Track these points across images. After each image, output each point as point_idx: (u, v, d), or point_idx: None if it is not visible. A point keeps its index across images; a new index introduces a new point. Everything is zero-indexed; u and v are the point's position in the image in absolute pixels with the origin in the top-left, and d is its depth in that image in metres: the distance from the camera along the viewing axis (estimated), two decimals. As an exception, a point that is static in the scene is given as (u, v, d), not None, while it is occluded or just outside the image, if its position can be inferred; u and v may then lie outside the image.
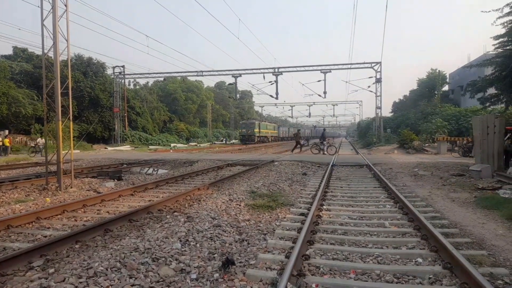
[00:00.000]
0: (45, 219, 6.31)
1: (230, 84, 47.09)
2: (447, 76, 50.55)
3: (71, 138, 10.84)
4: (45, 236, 5.35)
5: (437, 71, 48.16)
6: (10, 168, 15.39)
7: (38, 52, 34.97)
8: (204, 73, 38.76)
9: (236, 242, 4.92)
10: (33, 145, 25.73)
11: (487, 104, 17.11)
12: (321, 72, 34.78)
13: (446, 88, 51.35)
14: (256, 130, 50.43)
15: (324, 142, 23.75)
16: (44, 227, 5.94)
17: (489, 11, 14.90)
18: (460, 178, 10.92)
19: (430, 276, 3.75)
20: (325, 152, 22.77)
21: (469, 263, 3.70)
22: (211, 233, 5.17)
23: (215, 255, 4.33)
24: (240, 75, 36.71)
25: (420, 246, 4.72)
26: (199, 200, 7.83)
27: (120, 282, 3.48)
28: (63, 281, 3.46)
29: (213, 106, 69.43)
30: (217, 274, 3.75)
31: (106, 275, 3.60)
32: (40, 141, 25.50)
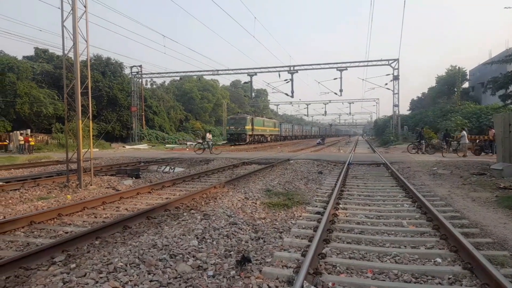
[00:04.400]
0: (66, 215, 6.49)
1: (245, 82, 45.90)
2: (467, 73, 49.34)
3: (91, 137, 11.08)
4: (67, 232, 5.50)
5: (457, 67, 47.08)
6: (33, 166, 15.85)
7: (59, 52, 35.83)
8: (219, 72, 38.91)
9: (252, 240, 4.94)
10: (200, 141, 24.84)
11: (509, 101, 16.61)
12: (337, 70, 34.46)
13: (466, 85, 50.10)
14: (248, 127, 40.44)
15: (422, 141, 21.73)
16: (66, 223, 6.11)
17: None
18: (481, 177, 10.65)
19: (450, 277, 3.69)
20: (424, 152, 21.02)
21: (490, 263, 3.62)
22: (227, 231, 5.21)
23: (232, 252, 4.37)
24: (255, 73, 36.71)
25: (439, 246, 4.64)
26: (215, 198, 7.90)
27: (139, 277, 3.54)
28: (84, 276, 3.55)
29: (229, 105, 69.68)
30: (234, 271, 3.79)
31: (126, 270, 3.68)
32: (208, 136, 24.41)
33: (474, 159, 16.22)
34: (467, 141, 18.71)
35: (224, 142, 44.97)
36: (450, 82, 47.03)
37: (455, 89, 44.68)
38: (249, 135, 40.75)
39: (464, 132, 18.93)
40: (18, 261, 3.95)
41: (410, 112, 57.14)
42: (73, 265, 3.95)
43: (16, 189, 9.30)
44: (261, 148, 31.83)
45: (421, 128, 23.94)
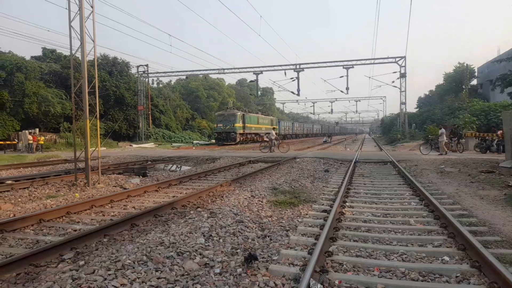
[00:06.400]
0: (74, 213, 6.56)
1: (251, 81, 45.31)
2: (476, 70, 48.77)
3: (98, 136, 11.18)
4: (75, 230, 5.56)
5: (465, 64, 46.54)
6: (41, 165, 16.02)
7: (66, 52, 36.17)
8: (225, 71, 38.97)
9: (259, 238, 4.96)
10: (266, 139, 22.68)
11: (518, 98, 16.38)
12: (343, 68, 34.32)
13: (474, 82, 49.54)
14: (239, 124, 35.26)
15: (455, 139, 19.68)
16: (74, 221, 6.17)
17: None
18: (489, 175, 10.54)
19: (457, 275, 3.67)
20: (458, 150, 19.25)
21: (499, 262, 3.59)
22: (234, 229, 5.23)
23: (238, 250, 4.39)
24: (261, 72, 36.69)
25: (447, 244, 4.61)
26: (222, 196, 7.92)
27: (146, 275, 3.58)
28: (93, 273, 3.59)
29: (235, 104, 69.60)
30: (240, 269, 3.80)
31: (133, 268, 3.72)
32: (273, 133, 22.29)
33: (481, 157, 16.06)
34: (445, 139, 18.69)
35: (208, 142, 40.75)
36: (458, 79, 46.54)
37: (463, 87, 44.24)
38: (240, 133, 35.52)
39: (443, 130, 18.77)
40: (28, 258, 4.00)
41: (417, 110, 56.64)
42: (81, 262, 3.99)
43: (25, 188, 9.42)
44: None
45: (453, 125, 22.36)
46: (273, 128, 26.24)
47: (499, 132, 18.26)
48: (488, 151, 18.61)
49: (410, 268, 3.81)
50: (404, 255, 4.23)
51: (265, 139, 23.45)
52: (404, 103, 37.38)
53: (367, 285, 3.46)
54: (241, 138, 36.25)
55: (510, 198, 7.38)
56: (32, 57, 37.52)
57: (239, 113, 36.08)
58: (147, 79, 42.09)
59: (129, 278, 3.48)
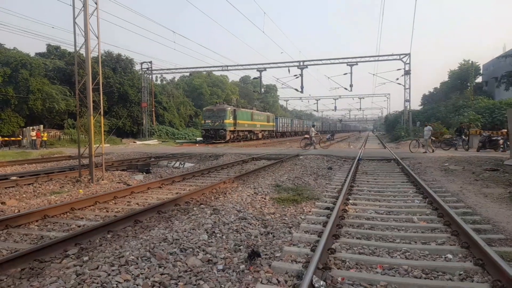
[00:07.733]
0: (78, 209, 6.61)
1: (255, 78, 44.93)
2: (481, 67, 48.40)
3: (102, 133, 11.20)
4: (79, 226, 5.60)
5: (470, 62, 46.20)
6: (46, 161, 16.11)
7: (70, 49, 36.34)
8: (229, 68, 38.91)
9: (262, 234, 4.96)
10: (307, 136, 22.67)
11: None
12: (347, 65, 34.17)
13: (479, 79, 49.19)
14: (229, 121, 32.51)
15: (462, 137, 19.35)
16: (78, 217, 6.21)
17: None
18: (493, 173, 10.48)
19: (461, 273, 3.66)
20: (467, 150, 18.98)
21: (503, 260, 3.57)
22: (237, 226, 5.24)
23: (241, 247, 4.40)
24: (264, 69, 36.56)
25: (450, 242, 4.60)
26: (225, 193, 7.94)
27: (150, 271, 3.60)
28: (97, 268, 3.61)
29: (238, 101, 69.46)
30: (243, 266, 3.81)
31: (137, 263, 3.74)
32: (313, 130, 22.34)
33: (486, 154, 15.97)
34: (430, 137, 18.53)
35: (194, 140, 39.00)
36: (463, 76, 46.21)
37: (468, 84, 43.94)
38: (230, 131, 32.96)
39: (429, 128, 18.63)
40: (33, 254, 4.04)
41: (421, 107, 56.34)
42: (85, 258, 4.02)
43: (30, 184, 9.47)
44: (270, 144, 31.90)
45: (466, 124, 21.78)
46: (313, 125, 26.21)
47: (503, 130, 18.13)
48: (482, 149, 18.39)
49: (413, 266, 3.81)
50: (407, 253, 4.23)
51: (306, 136, 22.98)
52: (408, 101, 37.23)
53: (370, 282, 3.46)
54: (232, 136, 33.79)
55: (515, 196, 7.33)
56: (36, 53, 37.59)
57: (229, 108, 33.30)
58: (150, 76, 42.14)
59: (133, 274, 3.50)
